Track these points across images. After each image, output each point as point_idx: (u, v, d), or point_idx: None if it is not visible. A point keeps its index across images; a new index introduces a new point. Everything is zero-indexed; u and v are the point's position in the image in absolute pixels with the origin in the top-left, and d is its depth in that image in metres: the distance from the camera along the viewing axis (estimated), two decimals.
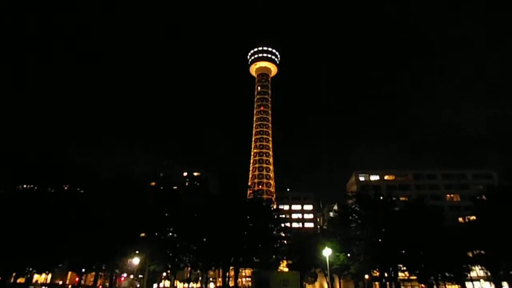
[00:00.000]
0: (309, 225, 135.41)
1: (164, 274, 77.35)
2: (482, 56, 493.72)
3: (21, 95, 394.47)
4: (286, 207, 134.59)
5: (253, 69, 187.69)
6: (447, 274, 55.03)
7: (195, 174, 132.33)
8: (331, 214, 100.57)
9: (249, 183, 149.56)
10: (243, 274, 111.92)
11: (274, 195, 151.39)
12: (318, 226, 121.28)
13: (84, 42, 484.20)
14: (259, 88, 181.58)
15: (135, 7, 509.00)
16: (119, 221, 46.27)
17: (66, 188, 49.92)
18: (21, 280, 65.82)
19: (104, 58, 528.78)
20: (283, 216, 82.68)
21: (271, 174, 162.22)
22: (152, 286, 75.21)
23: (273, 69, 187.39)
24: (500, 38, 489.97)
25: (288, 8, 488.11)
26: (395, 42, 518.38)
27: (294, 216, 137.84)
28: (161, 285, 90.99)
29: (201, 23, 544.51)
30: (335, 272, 67.03)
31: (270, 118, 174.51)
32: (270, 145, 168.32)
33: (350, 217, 60.93)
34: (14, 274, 50.60)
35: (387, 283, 61.84)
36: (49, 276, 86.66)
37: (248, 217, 57.63)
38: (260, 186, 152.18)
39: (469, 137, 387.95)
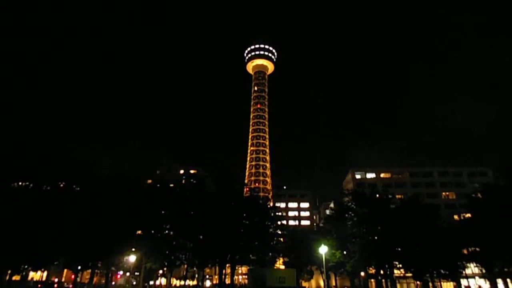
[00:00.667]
0: (306, 222, 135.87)
1: (161, 271, 77.34)
2: (482, 56, 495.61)
3: (21, 95, 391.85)
4: (282, 205, 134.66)
5: (249, 67, 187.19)
6: (442, 271, 55.27)
7: (192, 171, 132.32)
8: (327, 211, 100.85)
9: (246, 181, 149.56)
10: (240, 271, 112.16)
11: (271, 192, 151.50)
12: (315, 224, 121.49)
13: (84, 42, 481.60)
14: (255, 86, 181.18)
15: (134, 6, 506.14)
16: (115, 219, 46.08)
17: (61, 185, 49.59)
18: (16, 277, 65.55)
19: (104, 58, 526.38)
20: (280, 213, 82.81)
21: (268, 172, 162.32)
22: (148, 283, 75.18)
23: (270, 67, 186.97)
24: (500, 38, 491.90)
25: (287, 6, 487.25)
26: (395, 42, 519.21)
27: (291, 213, 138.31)
28: (158, 282, 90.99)
29: (198, 20, 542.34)
30: (331, 269, 67.35)
31: (267, 116, 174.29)
32: (267, 143, 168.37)
33: (346, 215, 60.99)
34: (9, 271, 50.31)
35: (383, 280, 62.13)
36: (45, 273, 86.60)
37: (244, 214, 57.54)
38: (257, 184, 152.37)
39: (468, 137, 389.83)
